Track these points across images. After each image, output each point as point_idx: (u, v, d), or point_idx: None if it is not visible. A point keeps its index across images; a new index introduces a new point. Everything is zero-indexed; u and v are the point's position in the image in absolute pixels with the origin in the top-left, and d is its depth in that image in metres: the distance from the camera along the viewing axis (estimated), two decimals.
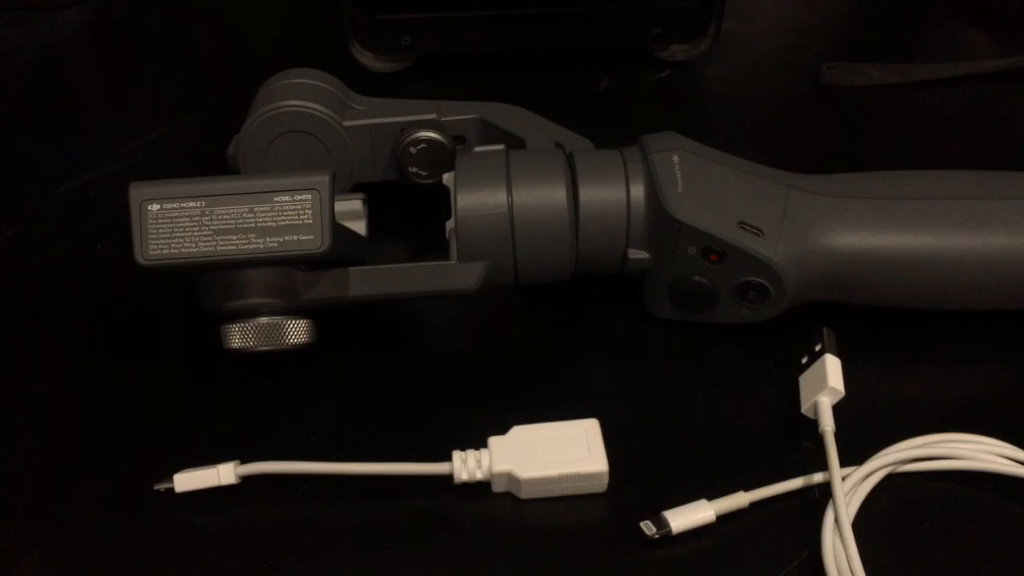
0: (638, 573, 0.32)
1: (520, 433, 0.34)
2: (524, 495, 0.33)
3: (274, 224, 0.34)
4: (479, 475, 0.33)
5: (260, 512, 0.34)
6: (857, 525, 0.31)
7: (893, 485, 0.33)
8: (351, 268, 0.36)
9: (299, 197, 0.34)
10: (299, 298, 0.35)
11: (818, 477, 0.33)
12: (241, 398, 0.37)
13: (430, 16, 0.51)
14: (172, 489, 0.33)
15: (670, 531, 0.32)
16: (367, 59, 0.53)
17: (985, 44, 0.57)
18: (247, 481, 0.33)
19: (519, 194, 0.36)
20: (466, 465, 0.33)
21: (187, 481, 0.33)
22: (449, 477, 0.33)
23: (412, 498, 0.34)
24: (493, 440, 0.34)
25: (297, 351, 0.36)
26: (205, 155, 0.45)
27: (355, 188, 0.43)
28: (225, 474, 0.33)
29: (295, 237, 0.34)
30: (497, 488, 0.33)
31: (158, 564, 0.32)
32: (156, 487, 0.33)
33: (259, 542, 0.33)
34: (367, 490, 0.34)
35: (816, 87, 0.53)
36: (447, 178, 0.37)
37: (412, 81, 0.53)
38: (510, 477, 0.33)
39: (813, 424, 0.34)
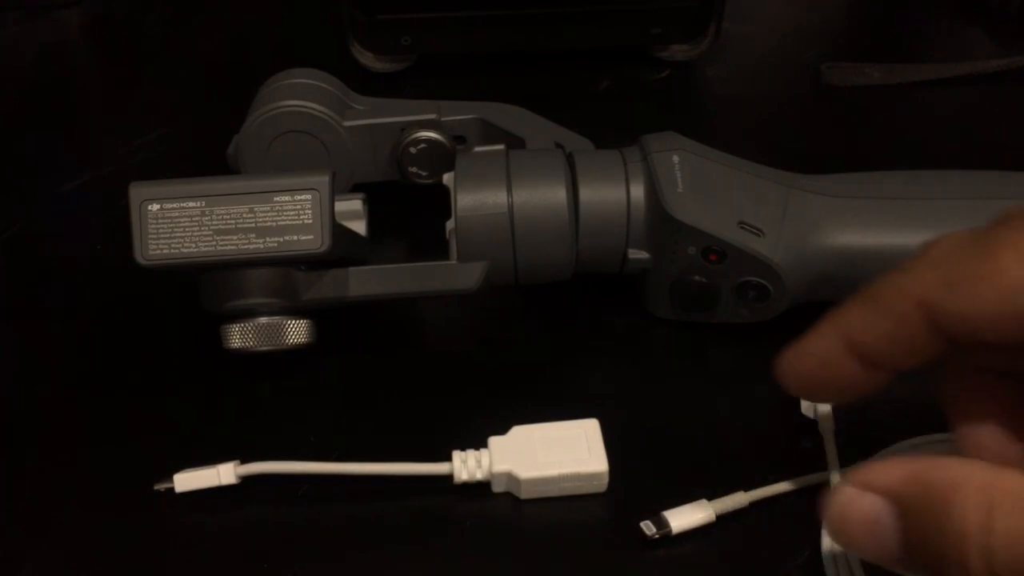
0: (638, 573, 0.32)
1: (520, 433, 0.34)
2: (524, 495, 0.33)
3: (274, 224, 0.34)
4: (479, 475, 0.33)
5: (260, 512, 0.34)
6: None
7: None
8: (351, 268, 0.36)
9: (299, 197, 0.34)
10: (299, 298, 0.35)
11: (818, 477, 0.33)
12: (241, 398, 0.37)
13: (430, 16, 0.51)
14: (172, 489, 0.33)
15: (670, 531, 0.32)
16: (367, 59, 0.53)
17: (985, 44, 0.57)
18: (247, 481, 0.33)
19: (519, 194, 0.36)
20: (466, 465, 0.33)
21: (187, 481, 0.33)
22: (449, 477, 0.33)
23: (412, 498, 0.34)
24: (493, 440, 0.34)
25: (297, 351, 0.36)
26: (205, 155, 0.45)
27: (355, 188, 0.43)
28: (225, 474, 0.33)
29: (295, 237, 0.34)
30: (497, 488, 0.33)
31: (158, 564, 0.32)
32: (156, 487, 0.33)
33: (259, 542, 0.33)
34: (367, 490, 0.34)
35: (816, 87, 0.53)
36: (447, 178, 0.37)
37: (412, 81, 0.53)
38: (510, 477, 0.33)
39: (813, 424, 0.34)
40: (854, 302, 0.25)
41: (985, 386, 0.25)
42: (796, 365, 0.26)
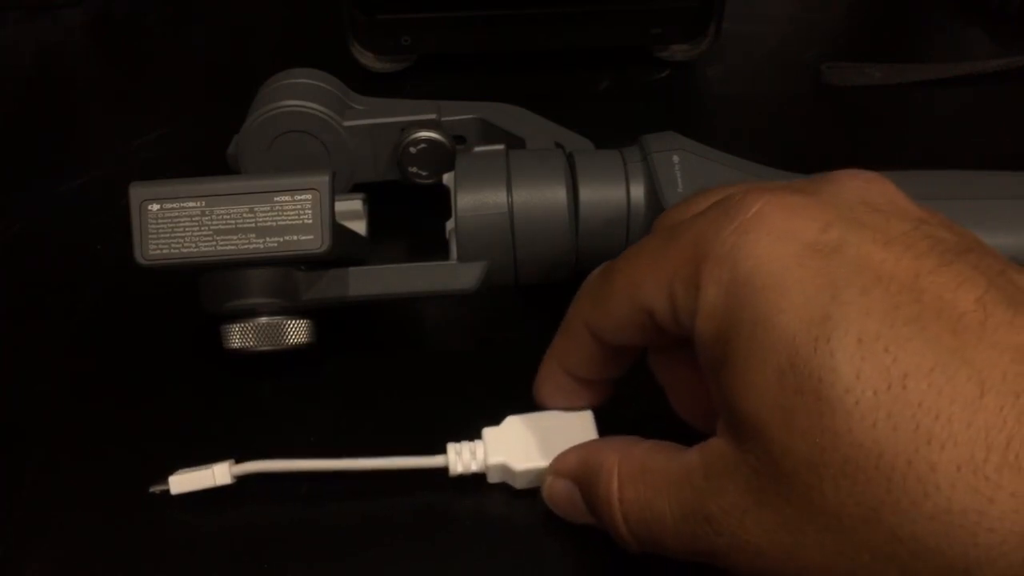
0: (638, 572, 0.32)
1: (514, 423, 0.34)
2: (519, 485, 0.33)
3: (274, 224, 0.34)
4: (474, 467, 0.33)
5: (259, 512, 0.34)
6: None
7: None
8: (351, 268, 0.36)
9: (299, 197, 0.34)
10: (299, 298, 0.35)
11: None
12: (241, 398, 0.37)
13: (430, 16, 0.51)
14: (168, 491, 0.33)
15: None
16: (367, 59, 0.53)
17: (985, 44, 0.57)
18: (246, 481, 0.33)
19: (519, 194, 0.36)
20: (460, 457, 0.33)
21: (183, 483, 0.33)
22: (444, 470, 0.33)
23: (411, 495, 0.34)
24: (487, 431, 0.33)
25: (297, 351, 0.36)
26: (205, 155, 0.45)
27: (355, 188, 0.43)
28: (220, 474, 0.33)
29: (295, 237, 0.34)
30: (493, 479, 0.33)
31: (157, 565, 0.32)
32: (152, 490, 0.33)
33: (258, 542, 0.33)
34: (365, 489, 0.34)
35: (816, 87, 0.53)
36: (447, 178, 0.37)
37: (412, 81, 0.53)
38: (505, 468, 0.33)
39: None
40: (557, 334, 0.31)
41: (677, 369, 0.31)
42: (540, 390, 0.32)
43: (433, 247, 0.38)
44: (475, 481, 0.34)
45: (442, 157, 0.42)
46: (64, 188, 0.47)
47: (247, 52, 0.57)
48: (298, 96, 0.41)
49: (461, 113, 0.43)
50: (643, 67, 0.54)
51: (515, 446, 0.33)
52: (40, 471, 0.35)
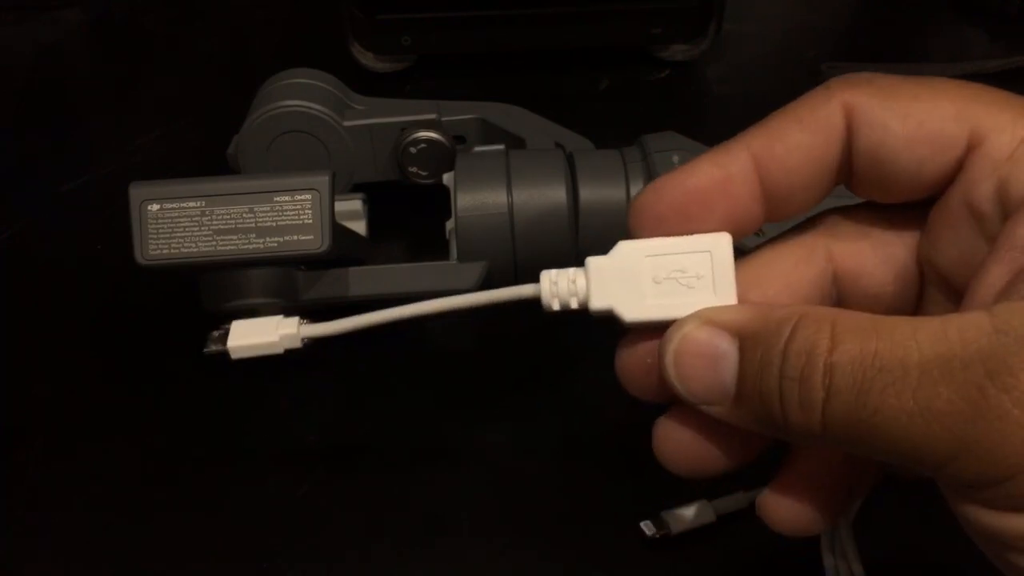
0: (638, 573, 0.32)
1: (626, 254, 0.26)
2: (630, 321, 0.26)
3: (274, 224, 0.34)
4: (574, 303, 0.27)
5: (260, 512, 0.34)
6: (857, 524, 0.31)
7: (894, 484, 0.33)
8: (351, 268, 0.36)
9: (299, 197, 0.34)
10: (299, 298, 0.35)
11: None
12: (241, 398, 0.37)
13: (430, 16, 0.51)
14: (226, 353, 0.32)
15: (670, 531, 0.32)
16: (367, 59, 0.53)
17: (985, 44, 0.57)
18: (246, 481, 0.33)
19: (519, 194, 0.36)
20: (557, 288, 0.27)
21: (242, 346, 0.31)
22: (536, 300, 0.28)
23: (414, 499, 0.34)
24: (592, 261, 0.26)
25: (297, 351, 0.36)
26: (205, 155, 0.46)
27: (355, 188, 0.43)
28: (286, 332, 0.32)
29: (295, 237, 0.34)
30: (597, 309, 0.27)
31: (158, 565, 0.32)
32: (208, 350, 0.32)
33: (259, 542, 0.33)
34: (369, 491, 0.34)
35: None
36: (447, 178, 0.37)
37: (412, 81, 0.53)
38: (612, 314, 0.26)
39: None
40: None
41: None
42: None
43: (433, 247, 0.38)
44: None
45: (442, 157, 0.42)
46: (64, 188, 0.47)
47: (247, 52, 0.57)
48: (298, 96, 0.41)
49: (461, 113, 0.43)
50: (643, 67, 0.54)
51: (626, 284, 0.26)
52: (40, 470, 0.35)
